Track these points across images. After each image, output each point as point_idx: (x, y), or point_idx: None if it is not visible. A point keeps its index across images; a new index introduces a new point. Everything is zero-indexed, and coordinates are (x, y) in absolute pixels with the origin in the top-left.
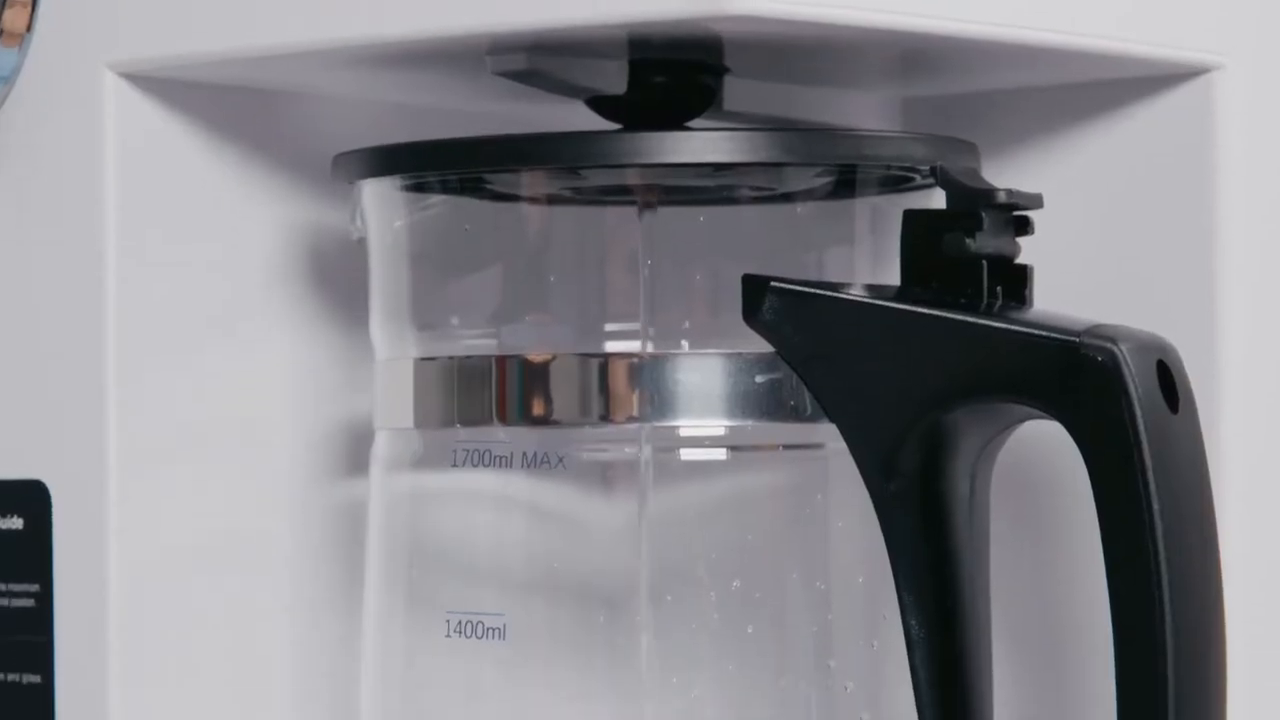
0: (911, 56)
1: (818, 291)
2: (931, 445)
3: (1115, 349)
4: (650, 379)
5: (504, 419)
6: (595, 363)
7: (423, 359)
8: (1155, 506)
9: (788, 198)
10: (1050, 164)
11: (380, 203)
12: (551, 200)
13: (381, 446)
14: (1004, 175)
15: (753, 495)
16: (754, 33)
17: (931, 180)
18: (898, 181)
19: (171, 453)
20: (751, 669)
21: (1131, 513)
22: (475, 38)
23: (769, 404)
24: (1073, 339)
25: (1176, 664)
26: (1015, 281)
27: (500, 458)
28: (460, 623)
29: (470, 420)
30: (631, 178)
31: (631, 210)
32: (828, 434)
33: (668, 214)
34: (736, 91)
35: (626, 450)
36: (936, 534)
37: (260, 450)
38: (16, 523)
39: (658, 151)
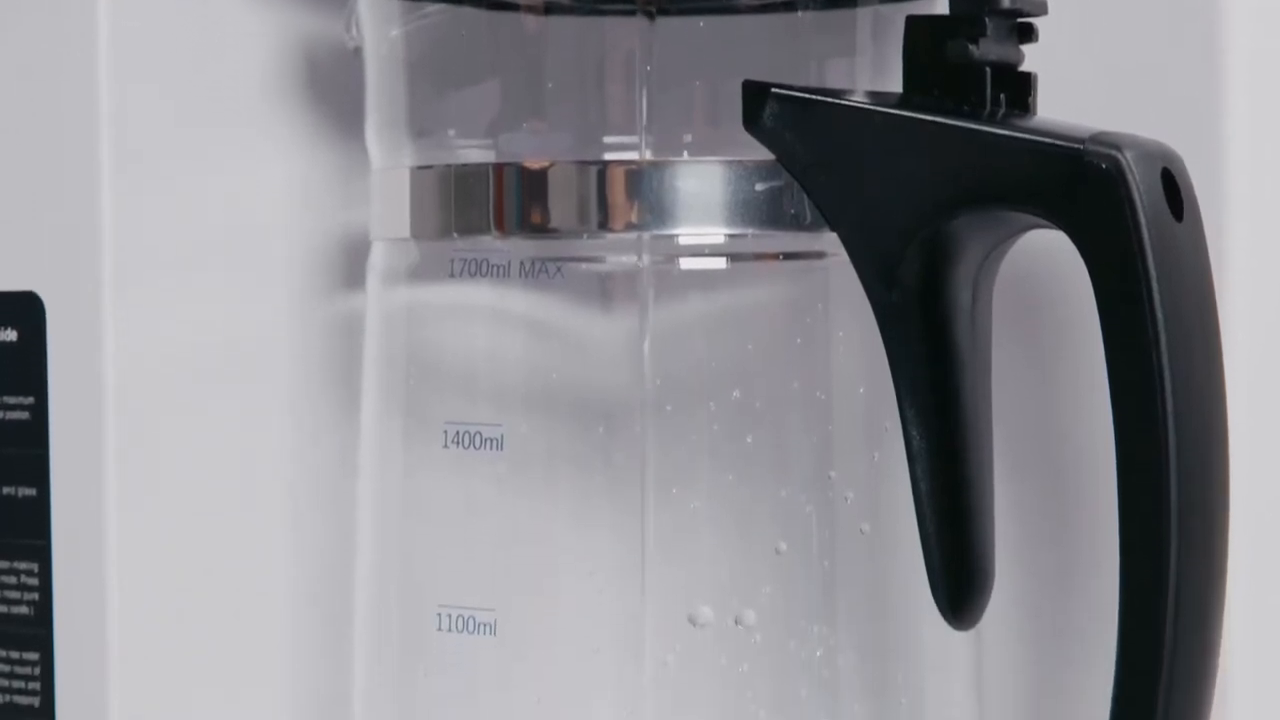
0: None
1: (819, 98)
2: (933, 254)
3: (1119, 156)
4: (649, 186)
5: (501, 228)
6: (593, 170)
7: (419, 167)
8: (1159, 315)
9: (789, 5)
10: None
11: (376, 11)
12: (550, 8)
13: (378, 258)
14: None
15: (753, 305)
16: None
17: None
18: None
19: (167, 264)
20: (751, 480)
21: (1135, 321)
22: None
23: (769, 212)
24: (1076, 146)
25: (1179, 476)
26: (1018, 89)
27: (497, 267)
28: (458, 433)
29: (467, 229)
30: None
31: (631, 18)
32: (829, 243)
33: (668, 22)
34: None
35: (625, 260)
36: (938, 344)
37: (256, 262)
38: (10, 335)
39: None
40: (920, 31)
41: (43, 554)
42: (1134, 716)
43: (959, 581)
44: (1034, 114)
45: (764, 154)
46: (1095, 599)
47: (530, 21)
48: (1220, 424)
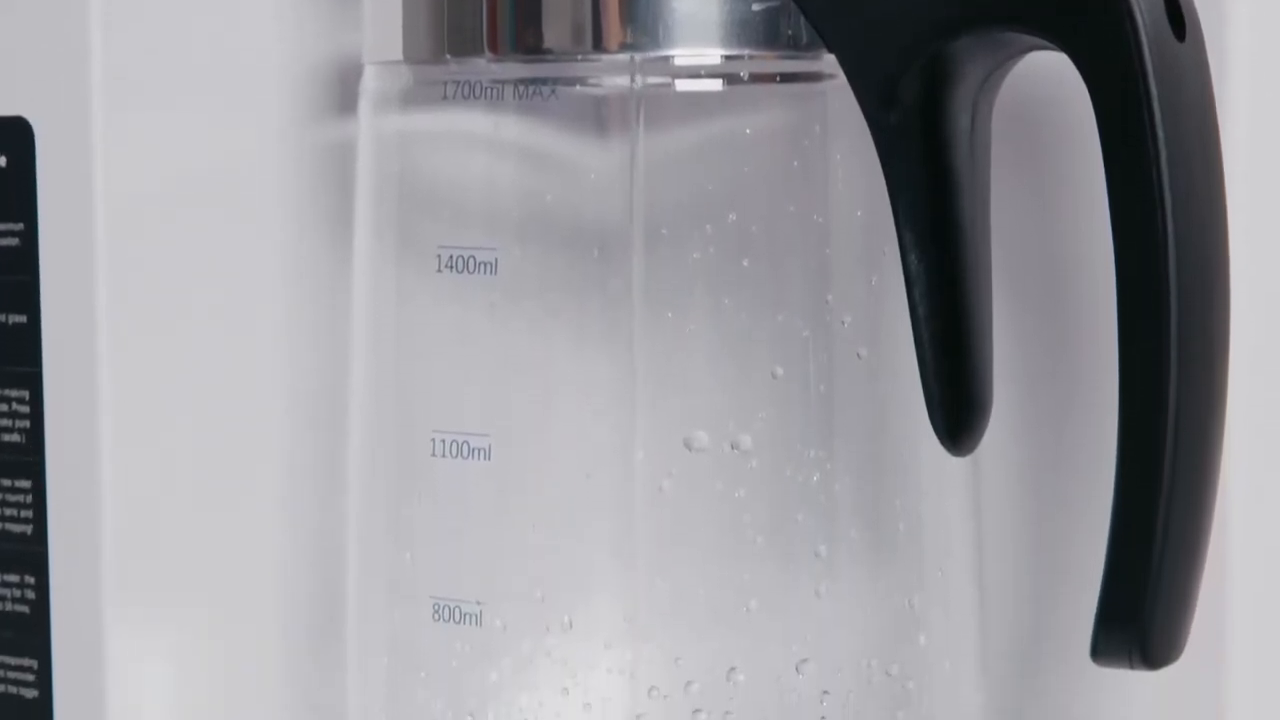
0: None
1: None
2: (932, 76)
3: None
4: (643, 6)
5: (495, 49)
6: None
7: None
8: (1159, 135)
9: None
10: None
11: None
12: None
13: (370, 82)
14: None
15: (749, 129)
16: None
17: None
18: None
19: (157, 89)
20: (747, 305)
21: (1135, 142)
22: None
23: (766, 33)
24: None
25: (1180, 298)
26: None
27: (491, 90)
28: (451, 257)
29: (460, 51)
30: None
31: None
32: (827, 65)
33: None
34: None
35: (619, 82)
36: (936, 168)
37: (248, 87)
38: None
39: None
40: None
41: (33, 381)
42: (1133, 541)
43: (957, 407)
44: None
45: None
46: (1095, 424)
47: None
48: (1221, 245)
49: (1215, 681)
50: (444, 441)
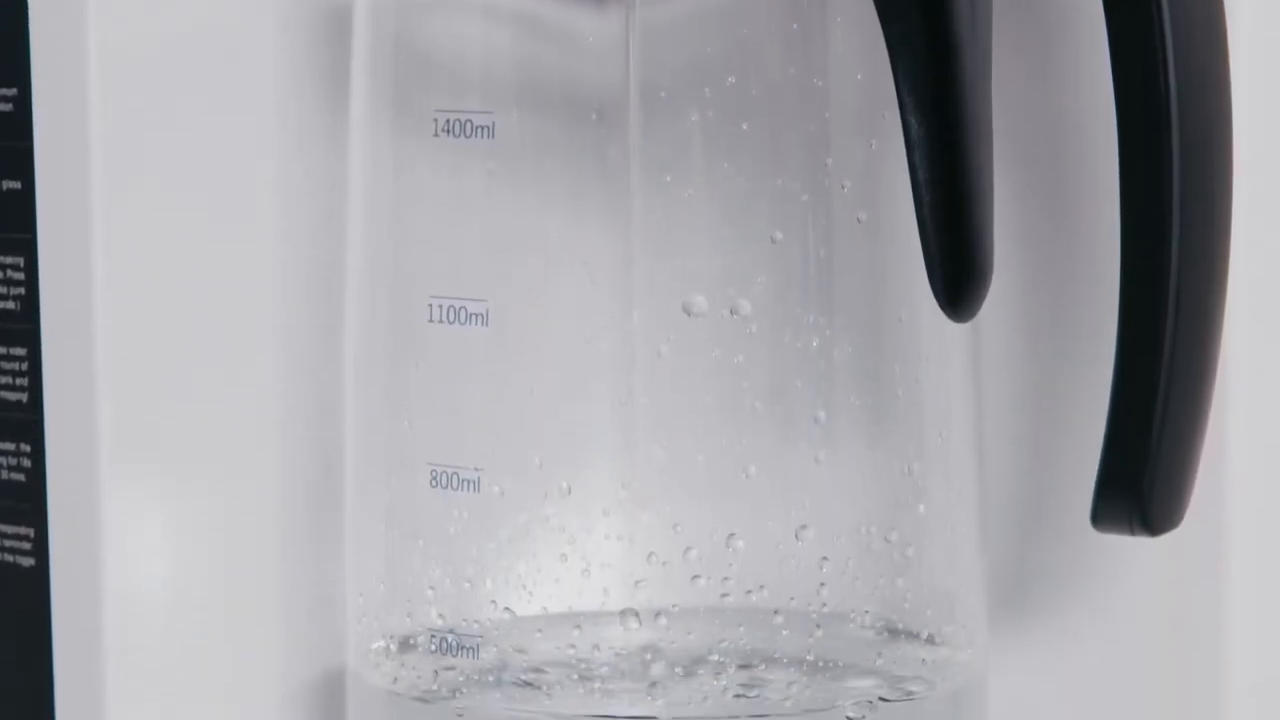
0: None
1: None
2: None
3: None
4: None
5: None
6: None
7: None
8: None
9: None
10: None
11: None
12: None
13: None
14: None
15: None
16: None
17: None
18: None
19: None
20: (746, 169)
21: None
22: None
23: None
24: None
25: (1182, 159)
26: None
27: None
28: (448, 121)
29: None
30: None
31: None
32: None
33: None
34: None
35: None
36: (937, 28)
37: None
38: None
39: None
40: None
41: (28, 248)
42: (1134, 407)
43: (957, 271)
44: None
45: None
46: (1096, 289)
47: None
48: (1224, 105)
49: (1215, 548)
50: (441, 307)
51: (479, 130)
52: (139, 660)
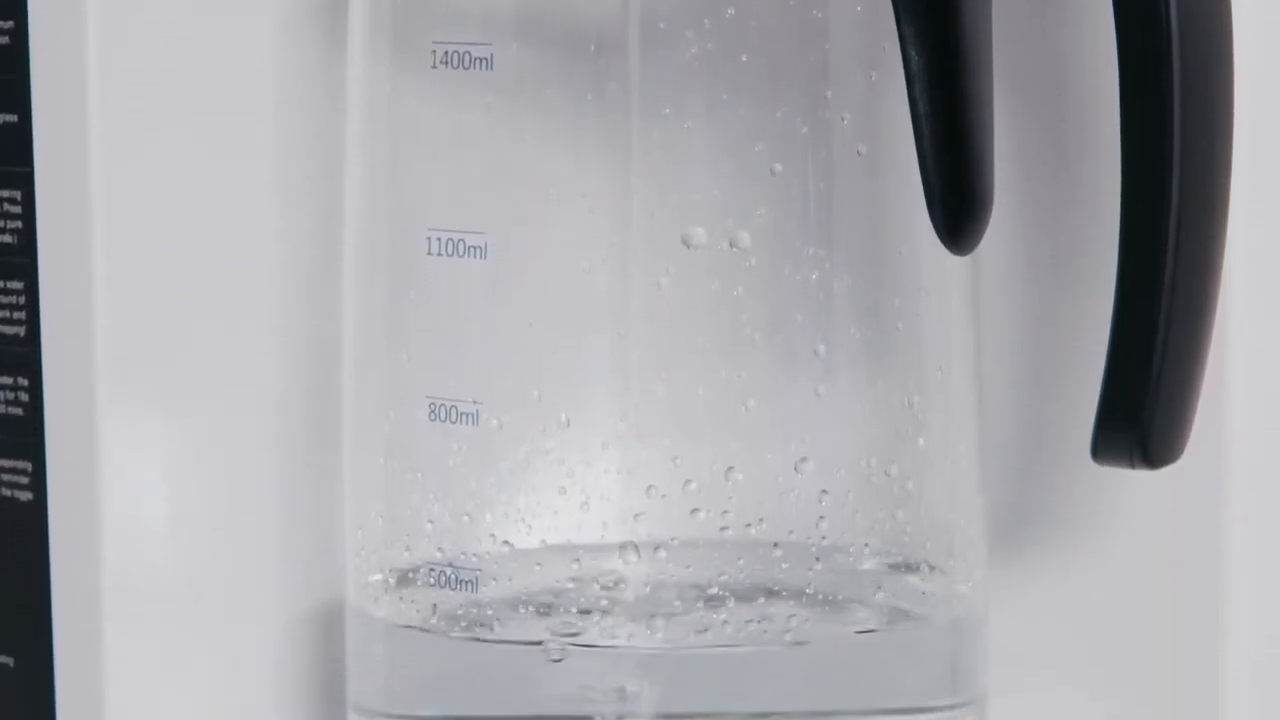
0: None
1: None
2: None
3: None
4: None
5: None
6: None
7: None
8: None
9: None
10: None
11: None
12: None
13: None
14: None
15: None
16: None
17: None
18: None
19: None
20: (746, 100)
21: None
22: None
23: None
24: None
25: (1183, 90)
26: None
27: None
28: (446, 53)
29: None
30: None
31: None
32: None
33: None
34: None
35: None
36: None
37: None
38: None
39: None
40: None
41: (25, 181)
42: (1134, 340)
43: (957, 204)
44: None
45: None
46: (1096, 224)
47: None
48: (1226, 37)
49: (1215, 481)
50: (440, 240)
51: (478, 62)
52: (137, 594)
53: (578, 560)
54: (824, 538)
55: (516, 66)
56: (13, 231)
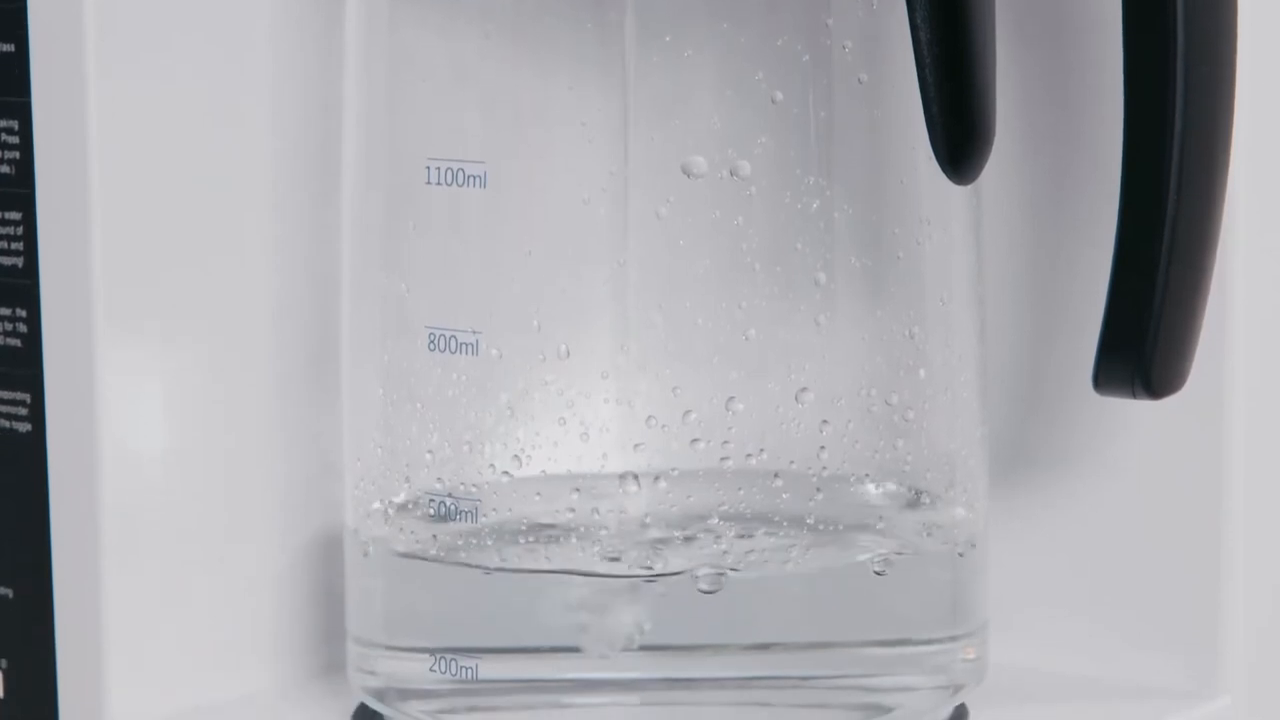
0: None
1: None
2: None
3: None
4: None
5: None
6: None
7: None
8: None
9: None
10: None
11: None
12: None
13: None
14: None
15: None
16: None
17: None
18: None
19: None
20: (746, 28)
21: None
22: None
23: None
24: None
25: (1187, 30)
26: None
27: None
28: None
29: None
30: None
31: None
32: None
33: None
34: None
35: None
36: None
37: None
38: None
39: None
40: None
41: (23, 111)
42: (1136, 269)
43: (959, 133)
44: None
45: None
46: (1099, 155)
47: None
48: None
49: (1216, 411)
50: (439, 170)
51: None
52: (136, 525)
53: (578, 490)
54: (824, 468)
55: (513, 9)
56: (10, 161)
